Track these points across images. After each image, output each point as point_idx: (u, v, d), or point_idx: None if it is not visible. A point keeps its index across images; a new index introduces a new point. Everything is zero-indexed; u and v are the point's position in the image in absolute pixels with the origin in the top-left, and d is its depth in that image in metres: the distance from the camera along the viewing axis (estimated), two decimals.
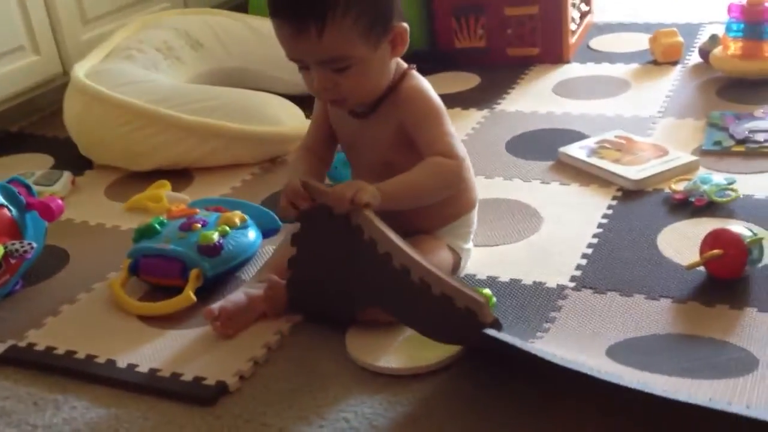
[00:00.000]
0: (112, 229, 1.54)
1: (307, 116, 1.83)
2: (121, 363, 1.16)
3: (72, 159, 1.81)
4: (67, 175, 1.70)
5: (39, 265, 1.40)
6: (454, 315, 1.02)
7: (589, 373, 0.90)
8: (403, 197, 1.15)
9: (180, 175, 1.70)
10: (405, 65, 1.21)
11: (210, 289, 1.28)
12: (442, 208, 1.23)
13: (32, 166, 1.78)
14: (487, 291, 1.18)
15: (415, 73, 1.22)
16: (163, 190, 1.61)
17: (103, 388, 1.13)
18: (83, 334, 1.24)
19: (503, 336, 0.98)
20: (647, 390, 0.87)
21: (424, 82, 1.22)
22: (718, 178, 1.43)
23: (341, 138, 1.29)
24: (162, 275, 1.29)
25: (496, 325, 1.00)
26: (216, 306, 1.18)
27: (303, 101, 1.86)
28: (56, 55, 2.05)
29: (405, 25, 1.16)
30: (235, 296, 1.21)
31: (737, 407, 0.87)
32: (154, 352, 1.18)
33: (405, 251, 1.05)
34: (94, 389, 1.13)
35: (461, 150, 1.19)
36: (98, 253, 1.46)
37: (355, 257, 1.10)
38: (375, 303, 1.13)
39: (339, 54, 1.11)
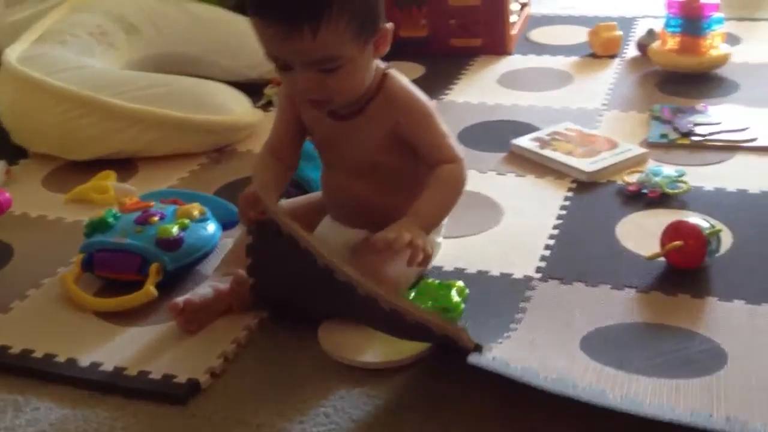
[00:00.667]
0: (56, 221, 1.48)
1: (255, 104, 1.80)
2: (84, 362, 1.11)
3: (4, 147, 1.72)
4: (2, 165, 1.62)
5: None
6: (432, 338, 1.02)
7: (574, 395, 0.92)
8: (439, 221, 1.18)
9: (124, 165, 1.64)
10: (381, 64, 1.19)
11: (168, 284, 1.24)
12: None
13: None
14: (459, 283, 1.18)
15: (395, 72, 1.20)
16: (109, 180, 1.55)
17: (65, 388, 1.08)
18: (38, 331, 1.18)
19: (485, 362, 0.98)
20: (632, 409, 0.90)
21: (409, 83, 1.21)
22: (669, 170, 1.47)
23: (317, 138, 1.25)
24: (120, 270, 1.24)
25: (477, 349, 1.00)
26: (181, 299, 1.15)
27: (246, 89, 1.83)
28: None
29: (390, 25, 1.15)
30: (202, 290, 1.17)
31: (718, 421, 0.91)
32: (117, 349, 1.13)
33: (365, 283, 1.01)
34: (55, 389, 1.08)
35: (459, 149, 1.19)
36: (43, 246, 1.40)
37: (316, 277, 1.06)
38: (343, 316, 1.12)
39: (330, 54, 1.08)
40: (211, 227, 1.31)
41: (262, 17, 1.07)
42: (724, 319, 1.13)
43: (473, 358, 0.99)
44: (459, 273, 1.25)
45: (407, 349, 1.08)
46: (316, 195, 1.32)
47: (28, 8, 2.05)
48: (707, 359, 1.06)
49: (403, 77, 1.21)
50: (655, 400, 0.97)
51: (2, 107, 1.70)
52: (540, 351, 1.06)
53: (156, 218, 1.28)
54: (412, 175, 1.20)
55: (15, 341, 1.16)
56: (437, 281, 1.18)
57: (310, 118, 1.23)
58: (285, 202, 1.30)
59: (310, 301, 1.13)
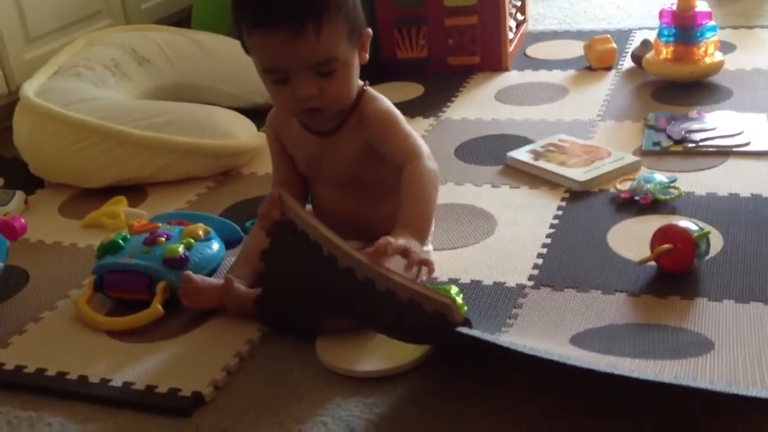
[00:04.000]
0: (70, 246, 1.54)
1: (259, 128, 1.86)
2: (94, 378, 1.16)
3: (22, 178, 1.80)
4: (19, 195, 1.69)
5: None
6: (424, 318, 1.05)
7: (558, 359, 0.95)
8: (427, 222, 1.18)
9: (134, 191, 1.70)
10: (359, 81, 1.24)
11: (176, 301, 1.29)
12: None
13: None
14: (453, 288, 1.21)
15: (372, 90, 1.26)
16: (120, 206, 1.62)
17: (77, 404, 1.13)
18: (51, 351, 1.23)
19: (474, 332, 1.02)
20: (616, 372, 0.92)
21: (384, 99, 1.26)
22: (661, 176, 1.51)
23: (299, 158, 1.31)
24: (128, 290, 1.30)
25: (467, 323, 1.04)
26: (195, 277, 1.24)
27: (251, 114, 1.89)
28: (0, 74, 2.03)
29: (369, 30, 1.21)
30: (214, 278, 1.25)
31: (703, 383, 0.93)
32: (126, 366, 1.19)
33: (366, 263, 1.07)
34: (67, 406, 1.13)
35: (422, 144, 1.23)
36: (58, 271, 1.46)
37: (318, 272, 1.13)
38: (342, 314, 1.16)
39: (331, 55, 1.14)
40: (215, 246, 1.36)
41: (265, 25, 1.13)
42: (713, 316, 1.16)
43: (462, 329, 1.02)
44: (453, 283, 1.29)
45: (403, 356, 1.12)
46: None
47: (47, 45, 2.14)
48: (694, 347, 1.09)
49: (378, 94, 1.26)
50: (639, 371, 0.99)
51: (21, 139, 1.77)
52: (529, 341, 1.09)
53: (163, 239, 1.34)
54: (392, 185, 1.24)
55: (29, 361, 1.21)
56: (431, 287, 1.22)
57: (293, 141, 1.29)
58: None
59: (313, 304, 1.17)
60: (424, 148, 1.23)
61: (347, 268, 1.08)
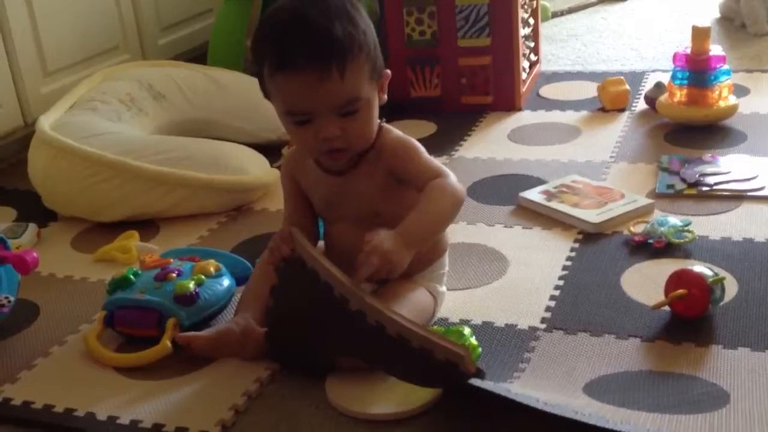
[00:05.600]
0: (81, 281, 1.54)
1: (272, 164, 1.86)
2: (101, 416, 1.16)
3: (36, 211, 1.80)
4: (32, 228, 1.69)
5: (9, 319, 1.38)
6: (435, 366, 1.04)
7: (574, 417, 0.94)
8: (429, 235, 1.17)
9: (146, 226, 1.71)
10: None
11: None
12: (422, 251, 1.26)
13: None
14: (466, 329, 1.20)
15: (389, 126, 1.26)
16: (132, 240, 1.62)
17: None
18: (60, 387, 1.23)
19: (487, 385, 1.01)
20: (633, 430, 0.90)
21: (401, 133, 1.26)
22: (674, 220, 1.50)
23: (316, 199, 1.30)
24: (138, 326, 1.29)
25: (479, 374, 1.03)
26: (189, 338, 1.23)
27: (265, 150, 1.90)
28: (17, 107, 2.05)
29: (388, 71, 1.22)
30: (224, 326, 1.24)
31: None
32: (134, 403, 1.18)
33: (377, 307, 1.06)
34: None
35: (446, 169, 1.23)
36: (68, 305, 1.45)
37: (328, 311, 1.12)
38: (353, 354, 1.15)
39: (355, 95, 1.15)
40: (226, 282, 1.36)
41: (290, 68, 1.13)
42: (728, 364, 1.15)
43: (474, 381, 1.01)
44: (464, 324, 1.28)
45: (414, 399, 1.11)
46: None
47: (64, 78, 2.16)
48: (709, 399, 1.07)
49: (395, 129, 1.26)
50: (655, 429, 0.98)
51: (35, 172, 1.78)
52: (542, 390, 1.08)
53: (174, 275, 1.33)
54: None
55: (37, 397, 1.21)
56: (443, 328, 1.22)
57: (310, 181, 1.29)
58: None
59: (323, 342, 1.16)
60: (449, 172, 1.23)
61: (358, 311, 1.07)
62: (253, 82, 2.10)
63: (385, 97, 1.23)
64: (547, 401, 0.98)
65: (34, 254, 1.33)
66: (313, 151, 1.21)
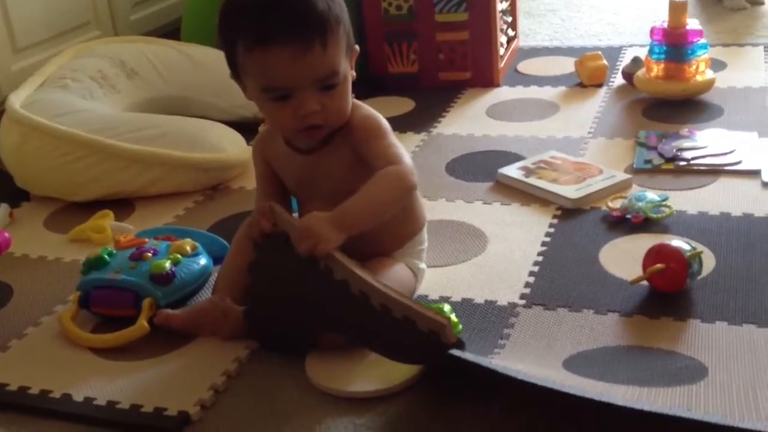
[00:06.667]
0: (55, 261, 1.52)
1: (248, 142, 1.84)
2: (78, 397, 1.14)
3: (8, 190, 1.77)
4: (4, 208, 1.66)
5: None
6: (417, 337, 1.04)
7: (552, 387, 0.94)
8: (365, 219, 1.15)
9: (121, 205, 1.68)
10: None
11: None
12: (398, 227, 1.25)
13: None
14: (446, 306, 1.20)
15: (359, 102, 1.25)
16: (107, 220, 1.59)
17: (60, 423, 1.11)
18: (35, 369, 1.21)
19: (467, 356, 1.01)
20: (610, 400, 0.90)
21: (372, 110, 1.25)
22: (652, 195, 1.50)
23: (288, 178, 1.29)
24: (114, 306, 1.28)
25: (460, 345, 1.03)
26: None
27: (240, 128, 1.88)
28: None
29: (357, 47, 1.22)
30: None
31: (697, 414, 0.92)
32: (111, 384, 1.16)
33: (362, 277, 1.06)
34: (50, 424, 1.11)
35: (407, 158, 1.20)
36: (42, 286, 1.43)
37: (312, 285, 1.11)
38: (335, 330, 1.15)
39: (334, 69, 1.14)
40: (203, 261, 1.35)
41: (272, 43, 1.11)
42: (706, 338, 1.15)
43: (455, 352, 1.00)
44: (444, 301, 1.28)
45: (394, 377, 1.11)
46: None
47: (34, 56, 2.12)
48: (687, 373, 1.08)
49: (366, 106, 1.25)
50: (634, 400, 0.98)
51: (6, 152, 1.75)
52: (521, 367, 1.08)
53: (149, 254, 1.32)
54: None
55: (12, 379, 1.19)
56: (424, 303, 1.21)
57: (281, 161, 1.27)
58: None
59: (304, 317, 1.16)
60: (407, 160, 1.20)
61: (342, 281, 1.06)
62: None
63: (354, 73, 1.22)
64: (527, 373, 0.98)
65: (6, 235, 1.31)
66: (290, 129, 1.19)
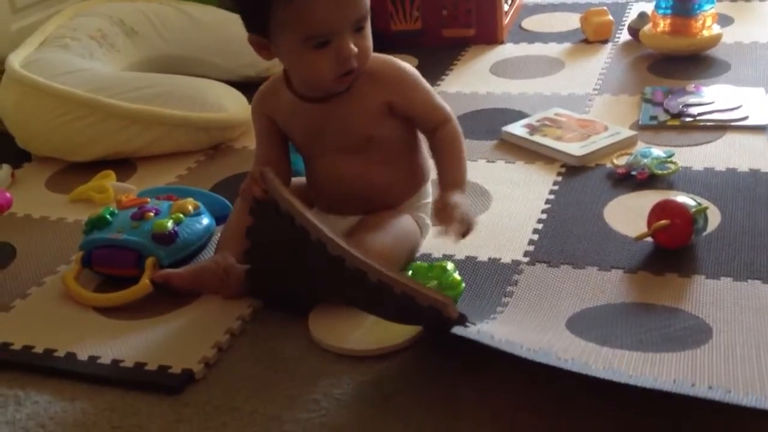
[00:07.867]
0: (57, 221, 1.51)
1: (250, 102, 1.82)
2: (82, 355, 1.14)
3: (9, 151, 1.76)
4: (6, 168, 1.66)
5: None
6: (418, 311, 1.03)
7: (557, 364, 0.93)
8: (465, 180, 1.21)
9: (123, 165, 1.68)
10: None
11: None
12: (405, 178, 1.24)
13: None
14: (449, 264, 1.19)
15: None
16: (108, 180, 1.59)
17: (64, 382, 1.11)
18: (39, 328, 1.21)
19: (470, 333, 1.00)
20: (615, 378, 0.91)
21: (394, 58, 1.24)
22: (658, 151, 1.48)
23: (297, 133, 1.26)
24: (117, 266, 1.28)
25: (461, 320, 1.02)
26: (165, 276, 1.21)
27: (242, 87, 1.86)
28: None
29: None
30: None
31: (701, 389, 0.91)
32: (115, 342, 1.17)
33: (355, 254, 1.04)
34: (55, 383, 1.11)
35: (447, 106, 1.24)
36: (45, 246, 1.43)
37: (306, 255, 1.09)
38: (333, 298, 1.14)
39: (367, 9, 1.15)
40: (205, 221, 1.34)
41: None
42: (711, 296, 1.14)
43: (457, 330, 1.00)
44: (447, 259, 1.27)
45: (397, 335, 1.11)
46: (299, 181, 1.33)
47: (33, 15, 2.09)
48: (692, 334, 1.07)
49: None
50: (637, 372, 0.98)
51: (7, 112, 1.74)
52: (525, 329, 1.07)
53: (151, 214, 1.31)
54: (406, 143, 1.23)
55: (16, 338, 1.19)
56: (426, 264, 1.21)
57: (287, 114, 1.25)
58: None
59: (303, 282, 1.15)
60: (449, 108, 1.24)
61: (337, 256, 1.05)
62: (228, 17, 2.08)
63: None
64: (530, 347, 0.97)
65: (8, 195, 1.31)
66: (330, 77, 1.16)
